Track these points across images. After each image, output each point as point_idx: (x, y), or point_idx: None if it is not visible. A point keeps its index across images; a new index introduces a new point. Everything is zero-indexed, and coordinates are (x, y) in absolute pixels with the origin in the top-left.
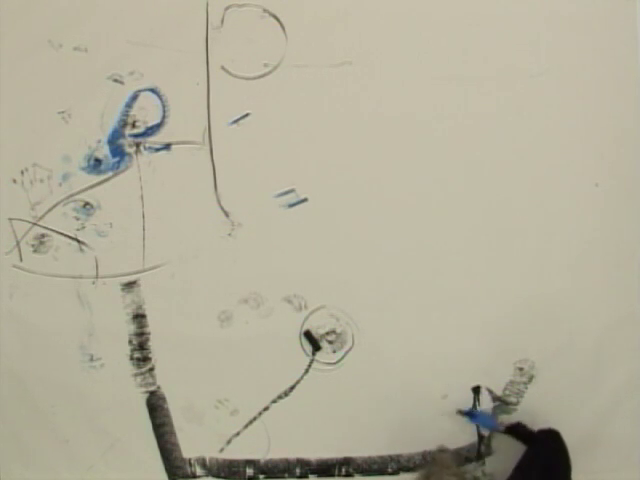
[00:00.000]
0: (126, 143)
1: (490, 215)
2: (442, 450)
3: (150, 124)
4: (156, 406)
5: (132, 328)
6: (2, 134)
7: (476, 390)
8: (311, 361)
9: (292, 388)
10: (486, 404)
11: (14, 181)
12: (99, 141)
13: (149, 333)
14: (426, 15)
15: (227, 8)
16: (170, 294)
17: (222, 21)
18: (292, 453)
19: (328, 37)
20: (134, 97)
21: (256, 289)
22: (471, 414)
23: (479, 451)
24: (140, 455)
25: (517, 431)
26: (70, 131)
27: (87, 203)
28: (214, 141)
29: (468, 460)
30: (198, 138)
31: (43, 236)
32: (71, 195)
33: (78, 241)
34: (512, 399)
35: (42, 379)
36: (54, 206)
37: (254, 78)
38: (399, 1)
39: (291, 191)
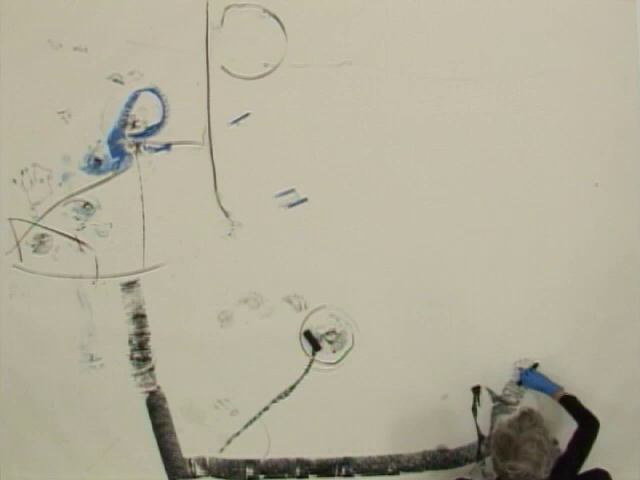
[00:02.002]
0: (126, 143)
1: (490, 215)
2: (532, 409)
3: (150, 124)
4: (156, 406)
5: (132, 328)
6: (2, 134)
7: (476, 390)
8: (311, 361)
9: (292, 388)
10: (487, 403)
11: (14, 181)
12: (99, 141)
13: (149, 333)
14: (426, 15)
15: (227, 8)
16: (170, 294)
17: (222, 21)
18: (292, 453)
19: (328, 37)
20: (134, 97)
21: (256, 289)
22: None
23: (479, 451)
24: (140, 455)
25: (570, 405)
26: (70, 131)
27: (87, 203)
28: (214, 141)
29: (468, 460)
30: (198, 138)
31: (43, 236)
32: (71, 195)
33: (78, 241)
34: (512, 399)
35: (42, 379)
36: (54, 206)
37: (254, 78)
38: (399, 2)
39: (291, 191)
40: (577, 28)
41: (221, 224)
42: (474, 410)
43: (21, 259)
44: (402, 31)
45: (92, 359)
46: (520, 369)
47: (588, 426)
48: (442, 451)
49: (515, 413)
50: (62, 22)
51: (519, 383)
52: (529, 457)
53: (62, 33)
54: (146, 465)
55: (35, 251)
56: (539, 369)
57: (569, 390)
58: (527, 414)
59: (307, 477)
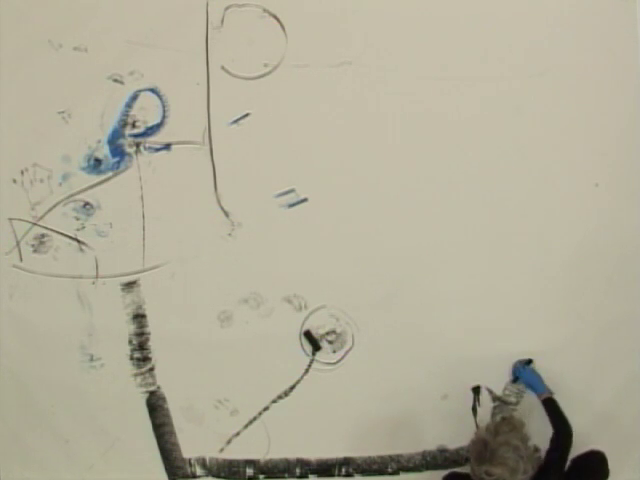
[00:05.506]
0: (126, 143)
1: (489, 215)
2: (512, 416)
3: (150, 124)
4: (156, 406)
5: (132, 328)
6: (2, 134)
7: (476, 390)
8: (311, 361)
9: (292, 388)
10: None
11: (14, 181)
12: (99, 141)
13: (149, 333)
14: (426, 15)
15: (227, 8)
16: (170, 294)
17: (222, 21)
18: (292, 453)
19: (328, 37)
20: (134, 97)
21: (256, 289)
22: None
23: None
24: (140, 455)
25: (550, 408)
26: (70, 131)
27: (87, 203)
28: (214, 141)
29: (468, 460)
30: (198, 138)
31: (43, 236)
32: (71, 195)
33: (78, 241)
34: (512, 399)
35: (42, 379)
36: (54, 206)
37: (254, 78)
38: (399, 2)
39: (291, 191)
40: (577, 28)
41: (221, 224)
42: (474, 410)
43: (21, 259)
44: (402, 31)
45: (92, 359)
46: (515, 366)
47: (561, 433)
48: (442, 451)
49: (495, 419)
50: (62, 22)
51: (515, 380)
52: (505, 462)
53: (62, 33)
54: (146, 465)
55: (35, 251)
56: (535, 368)
57: (569, 389)
58: (506, 419)
59: (307, 477)
